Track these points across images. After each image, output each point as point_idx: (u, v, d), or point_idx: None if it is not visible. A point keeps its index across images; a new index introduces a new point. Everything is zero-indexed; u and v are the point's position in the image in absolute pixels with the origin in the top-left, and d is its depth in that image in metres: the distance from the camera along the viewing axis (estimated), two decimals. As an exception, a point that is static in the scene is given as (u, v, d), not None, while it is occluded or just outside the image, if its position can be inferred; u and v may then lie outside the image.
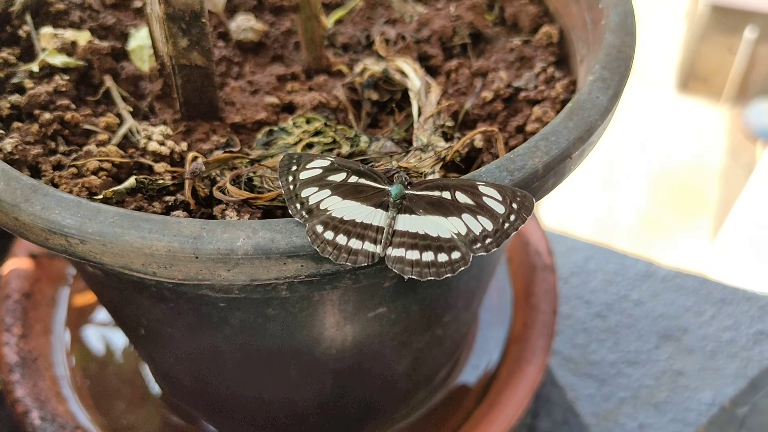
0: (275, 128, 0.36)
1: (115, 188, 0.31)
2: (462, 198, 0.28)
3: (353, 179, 0.30)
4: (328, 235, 0.27)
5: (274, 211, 0.32)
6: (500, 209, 0.28)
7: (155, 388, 0.50)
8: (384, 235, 0.28)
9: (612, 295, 0.61)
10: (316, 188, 0.29)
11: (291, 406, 0.43)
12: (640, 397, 0.54)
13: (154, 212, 0.31)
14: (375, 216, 0.29)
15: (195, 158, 0.33)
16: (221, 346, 0.36)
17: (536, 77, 0.39)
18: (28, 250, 0.53)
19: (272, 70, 0.42)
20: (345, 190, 0.29)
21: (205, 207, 0.32)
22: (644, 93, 2.14)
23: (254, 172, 0.33)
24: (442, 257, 0.27)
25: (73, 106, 0.36)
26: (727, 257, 1.52)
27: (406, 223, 0.28)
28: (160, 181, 0.33)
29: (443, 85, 0.40)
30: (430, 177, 0.33)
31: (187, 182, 0.32)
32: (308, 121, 0.37)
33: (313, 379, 0.39)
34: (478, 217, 0.28)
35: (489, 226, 0.28)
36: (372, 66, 0.40)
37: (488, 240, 0.28)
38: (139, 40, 0.41)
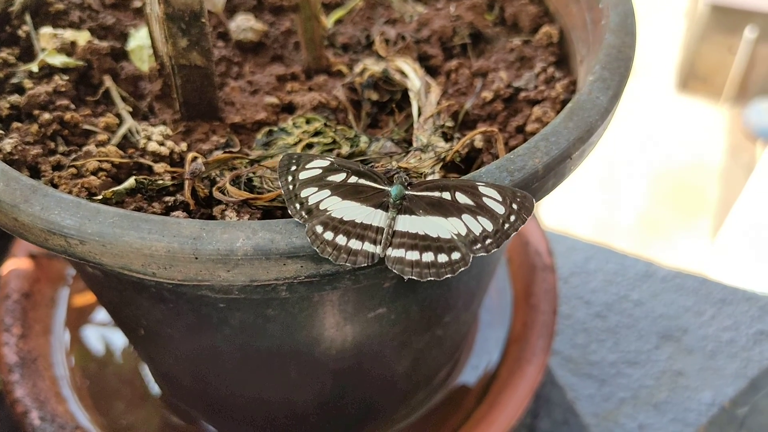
0: (275, 128, 0.36)
1: (115, 189, 0.31)
2: (462, 198, 0.28)
3: (353, 179, 0.30)
4: (328, 235, 0.27)
5: (273, 211, 0.32)
6: (500, 210, 0.28)
7: (155, 388, 0.50)
8: (384, 235, 0.28)
9: (612, 295, 0.61)
10: (316, 188, 0.29)
11: (291, 407, 0.43)
12: (640, 397, 0.54)
13: (154, 213, 0.31)
14: (375, 216, 0.29)
15: (195, 158, 0.33)
16: (221, 346, 0.36)
17: (536, 77, 0.39)
18: (27, 251, 0.53)
19: (272, 70, 0.42)
20: (345, 191, 0.29)
21: (204, 207, 0.32)
22: (644, 93, 2.14)
23: (254, 173, 0.33)
24: (442, 258, 0.27)
25: (72, 106, 0.36)
26: (727, 257, 1.52)
27: (406, 223, 0.28)
28: (160, 182, 0.32)
29: (443, 85, 0.40)
30: (430, 177, 0.33)
31: (186, 183, 0.32)
32: (308, 122, 0.37)
33: (313, 379, 0.39)
34: (478, 217, 0.28)
35: (489, 226, 0.28)
36: (372, 66, 0.40)
37: (488, 240, 0.28)
38: (138, 40, 0.41)
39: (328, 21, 0.45)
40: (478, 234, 0.28)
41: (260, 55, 0.43)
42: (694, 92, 2.19)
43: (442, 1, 0.46)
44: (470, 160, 0.36)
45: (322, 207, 0.28)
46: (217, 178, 0.33)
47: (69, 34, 0.39)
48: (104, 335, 0.52)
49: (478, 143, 0.36)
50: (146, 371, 0.50)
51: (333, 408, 0.43)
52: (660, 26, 2.32)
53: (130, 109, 0.37)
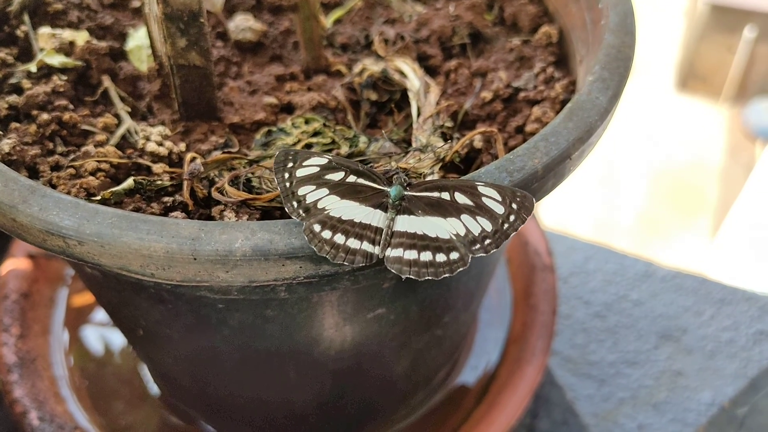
0: (274, 129, 0.36)
1: (113, 189, 0.31)
2: (461, 199, 0.28)
3: (351, 179, 0.29)
4: (326, 234, 0.27)
5: (272, 212, 0.32)
6: (499, 210, 0.28)
7: (154, 388, 0.50)
8: (383, 236, 0.28)
9: (611, 295, 0.61)
10: (314, 186, 0.29)
11: (290, 407, 0.43)
12: (640, 397, 0.54)
13: (153, 213, 0.31)
14: (374, 216, 0.28)
15: (193, 159, 0.33)
16: (220, 347, 0.36)
17: (536, 77, 0.39)
18: (26, 251, 0.53)
19: (271, 70, 0.41)
20: (343, 190, 0.29)
21: (203, 208, 0.32)
22: (644, 92, 2.14)
23: (253, 173, 0.33)
24: (440, 257, 0.27)
25: (71, 106, 0.36)
26: (727, 257, 1.53)
27: (405, 224, 0.28)
28: (159, 182, 0.32)
29: (442, 85, 0.40)
30: (429, 178, 0.33)
31: (185, 183, 0.32)
32: (307, 122, 0.37)
33: (312, 379, 0.39)
34: (477, 217, 0.28)
35: (488, 226, 0.28)
36: (371, 66, 0.40)
37: (487, 241, 0.28)
38: (137, 40, 0.41)
39: (327, 21, 0.45)
40: (477, 234, 0.28)
41: (259, 55, 0.43)
42: (693, 92, 2.19)
43: (441, 1, 0.46)
44: (470, 160, 0.36)
45: (320, 205, 0.28)
46: (216, 179, 0.33)
47: (67, 34, 0.39)
48: (103, 335, 0.52)
49: (478, 143, 0.36)
50: (145, 371, 0.50)
51: (332, 408, 0.43)
52: (659, 26, 2.32)
53: (129, 110, 0.37)
